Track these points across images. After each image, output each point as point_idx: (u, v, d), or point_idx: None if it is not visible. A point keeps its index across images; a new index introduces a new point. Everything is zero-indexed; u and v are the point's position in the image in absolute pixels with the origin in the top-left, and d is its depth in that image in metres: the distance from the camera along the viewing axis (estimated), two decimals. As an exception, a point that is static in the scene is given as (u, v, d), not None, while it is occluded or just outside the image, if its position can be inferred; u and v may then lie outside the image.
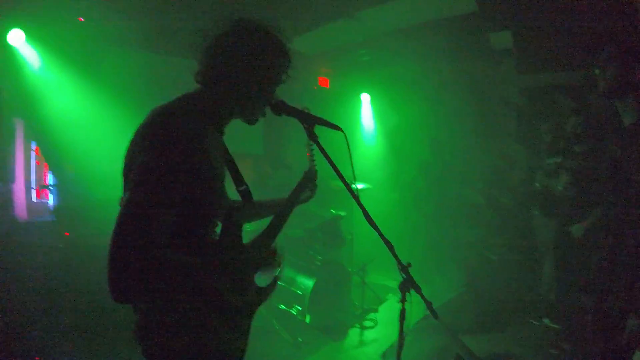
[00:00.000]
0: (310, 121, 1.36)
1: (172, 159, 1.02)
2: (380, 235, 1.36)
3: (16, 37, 3.63)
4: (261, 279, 1.37)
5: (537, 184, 4.11)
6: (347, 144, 1.43)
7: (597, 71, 1.84)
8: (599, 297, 1.79)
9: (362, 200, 1.36)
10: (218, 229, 1.25)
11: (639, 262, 1.60)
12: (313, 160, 1.66)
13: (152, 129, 1.07)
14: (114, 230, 0.95)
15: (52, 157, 4.12)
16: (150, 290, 0.99)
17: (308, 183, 1.64)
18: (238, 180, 1.46)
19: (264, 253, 1.33)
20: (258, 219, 1.70)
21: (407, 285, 1.36)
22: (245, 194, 1.46)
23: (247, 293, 1.30)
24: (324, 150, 1.35)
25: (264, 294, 1.40)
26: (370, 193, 5.89)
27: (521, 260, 5.37)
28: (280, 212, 1.49)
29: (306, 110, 1.38)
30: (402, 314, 1.39)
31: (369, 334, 3.84)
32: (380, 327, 3.94)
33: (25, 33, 3.66)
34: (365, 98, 7.03)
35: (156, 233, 0.98)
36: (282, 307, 3.76)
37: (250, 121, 1.34)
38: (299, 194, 1.60)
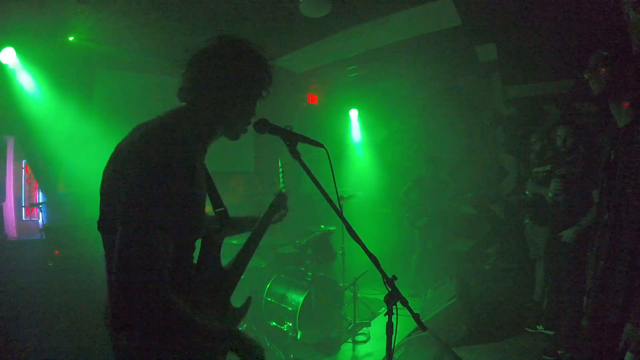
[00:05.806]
0: (292, 139, 1.39)
1: (162, 184, 0.99)
2: (364, 249, 1.36)
3: (8, 56, 3.66)
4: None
5: (527, 193, 4.15)
6: (329, 160, 1.47)
7: (586, 75, 1.82)
8: (596, 299, 1.78)
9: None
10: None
11: (636, 265, 1.60)
12: (283, 183, 1.81)
13: (137, 153, 1.02)
14: (118, 268, 0.94)
15: (42, 175, 4.10)
16: (148, 327, 0.99)
17: (279, 207, 1.76)
18: (216, 201, 1.46)
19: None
20: (237, 234, 1.78)
21: (393, 298, 1.36)
22: (223, 216, 1.47)
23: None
24: (307, 167, 1.37)
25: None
26: (363, 208, 5.90)
27: (514, 268, 5.39)
28: (253, 235, 1.57)
29: (288, 129, 1.40)
30: (389, 328, 1.39)
31: (361, 349, 3.81)
32: (373, 342, 3.91)
33: (17, 52, 3.69)
34: (354, 114, 7.07)
35: (161, 265, 0.97)
36: (274, 324, 3.73)
37: (233, 137, 1.35)
38: (271, 217, 1.71)
